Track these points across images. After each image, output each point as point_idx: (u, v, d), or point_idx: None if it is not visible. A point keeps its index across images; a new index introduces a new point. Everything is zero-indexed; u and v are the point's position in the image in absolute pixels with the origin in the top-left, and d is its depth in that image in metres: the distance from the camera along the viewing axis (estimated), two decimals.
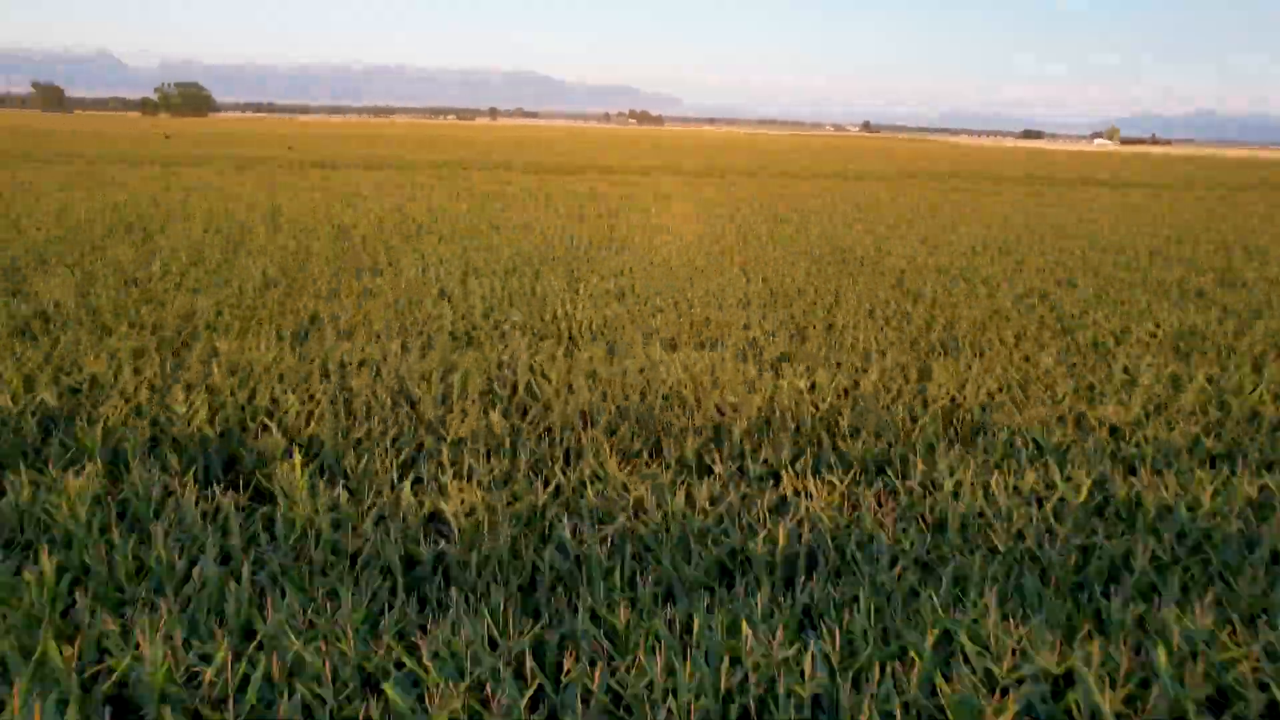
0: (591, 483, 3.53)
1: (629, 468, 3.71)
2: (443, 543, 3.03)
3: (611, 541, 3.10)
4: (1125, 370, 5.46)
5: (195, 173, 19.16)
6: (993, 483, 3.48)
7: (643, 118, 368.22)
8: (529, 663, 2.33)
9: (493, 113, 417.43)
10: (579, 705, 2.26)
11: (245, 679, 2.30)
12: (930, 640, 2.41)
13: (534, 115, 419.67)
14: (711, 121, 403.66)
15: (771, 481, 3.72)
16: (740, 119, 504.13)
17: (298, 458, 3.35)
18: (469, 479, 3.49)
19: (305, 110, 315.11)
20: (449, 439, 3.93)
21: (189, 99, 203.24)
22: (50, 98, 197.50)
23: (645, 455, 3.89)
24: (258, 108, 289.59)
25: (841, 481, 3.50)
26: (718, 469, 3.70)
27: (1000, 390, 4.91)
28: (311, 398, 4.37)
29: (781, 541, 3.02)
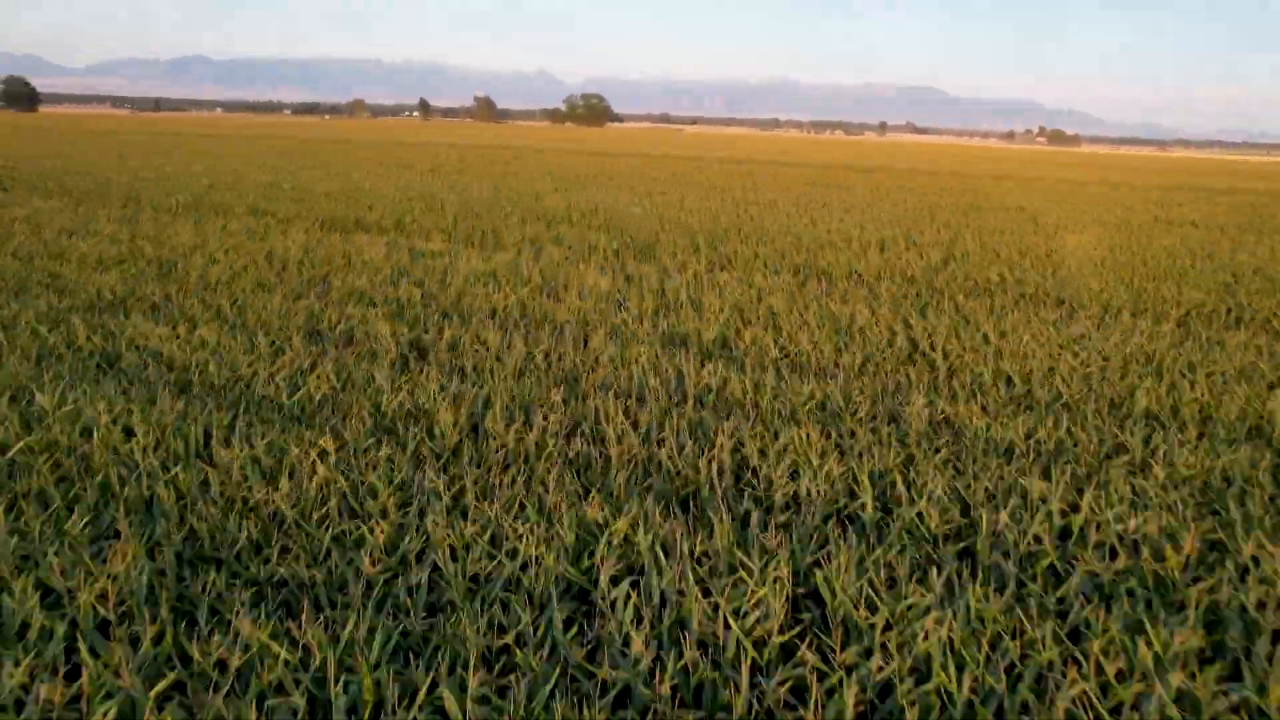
0: None
1: None
2: None
3: None
4: None
5: None
6: None
7: (1054, 137, 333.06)
8: None
9: (882, 127, 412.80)
10: None
11: None
12: None
13: (923, 131, 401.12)
14: (1162, 145, 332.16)
15: None
16: (1170, 139, 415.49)
17: None
18: None
19: (696, 121, 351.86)
20: None
21: (591, 109, 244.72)
22: (487, 109, 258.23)
23: None
24: (653, 118, 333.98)
25: None
26: None
27: None
28: None
29: None
